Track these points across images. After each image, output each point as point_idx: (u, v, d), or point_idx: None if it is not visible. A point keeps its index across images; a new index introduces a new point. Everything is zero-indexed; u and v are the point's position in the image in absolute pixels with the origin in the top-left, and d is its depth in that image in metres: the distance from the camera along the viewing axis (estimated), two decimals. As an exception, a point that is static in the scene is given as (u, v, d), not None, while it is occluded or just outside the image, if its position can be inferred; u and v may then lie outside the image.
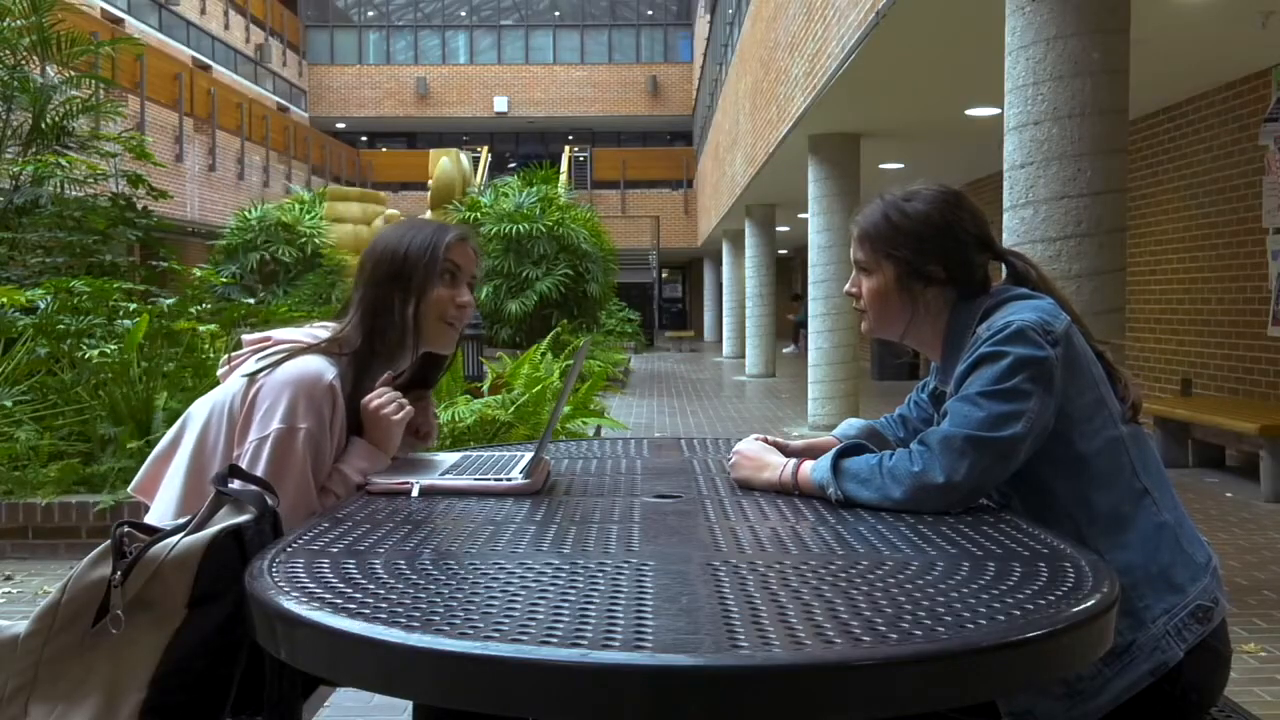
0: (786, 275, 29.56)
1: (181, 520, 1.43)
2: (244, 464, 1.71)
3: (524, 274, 14.14)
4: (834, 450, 1.70)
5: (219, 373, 1.91)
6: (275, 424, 1.73)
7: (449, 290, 1.92)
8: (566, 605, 1.13)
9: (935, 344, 1.82)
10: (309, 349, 1.83)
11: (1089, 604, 1.16)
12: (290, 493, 1.71)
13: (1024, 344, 1.60)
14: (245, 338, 1.91)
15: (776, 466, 1.77)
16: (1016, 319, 1.63)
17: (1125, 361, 1.82)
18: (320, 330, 1.91)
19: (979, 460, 1.57)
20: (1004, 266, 1.83)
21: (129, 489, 1.92)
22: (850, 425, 2.00)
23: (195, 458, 1.78)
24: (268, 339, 1.88)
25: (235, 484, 1.54)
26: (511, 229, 14.08)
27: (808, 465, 1.73)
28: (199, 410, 1.82)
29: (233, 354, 1.90)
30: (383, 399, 1.88)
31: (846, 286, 1.88)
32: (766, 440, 1.89)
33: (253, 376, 1.78)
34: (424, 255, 1.89)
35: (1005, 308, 1.70)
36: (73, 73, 8.78)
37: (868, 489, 1.61)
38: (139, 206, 8.62)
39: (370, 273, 1.91)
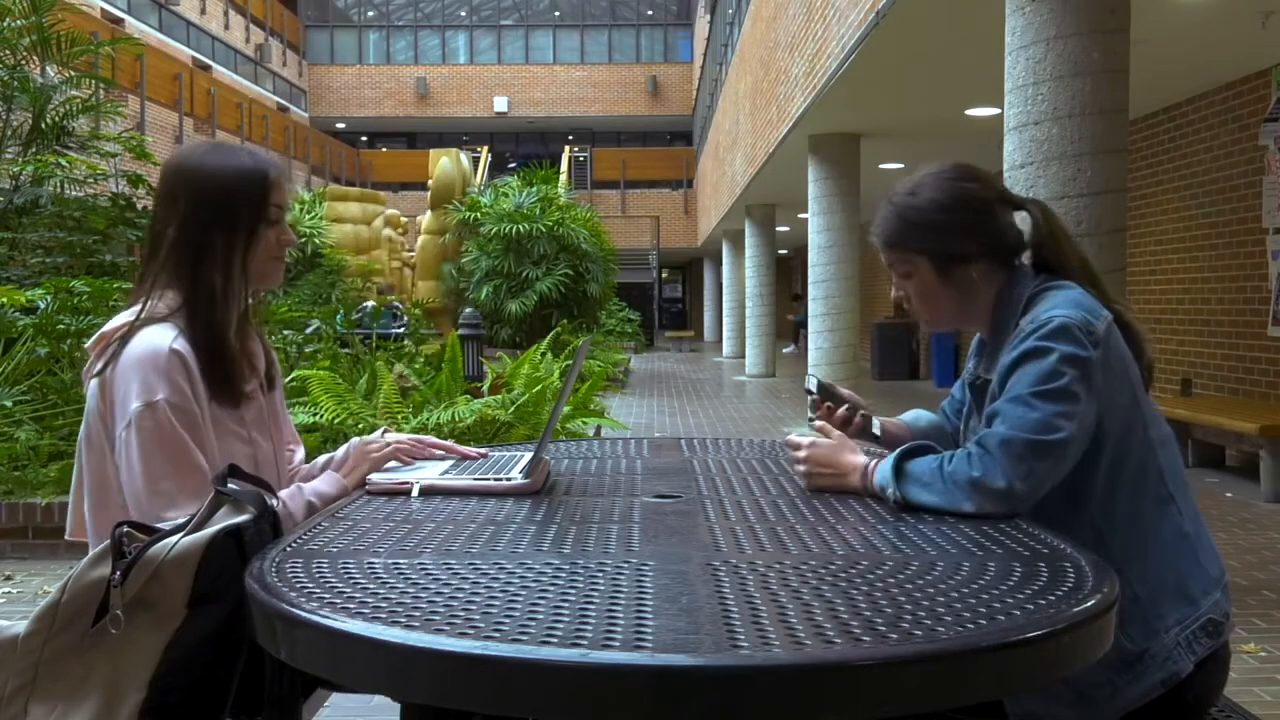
0: (786, 275, 29.57)
1: (181, 520, 1.43)
2: (120, 461, 1.64)
3: (524, 274, 14.14)
4: (898, 451, 1.65)
5: (85, 388, 1.79)
6: (133, 405, 1.63)
7: (274, 230, 1.80)
8: (566, 605, 1.13)
9: (986, 319, 1.78)
10: (136, 325, 1.70)
11: (1089, 604, 1.16)
12: (173, 468, 1.62)
13: (1068, 341, 1.59)
14: (87, 345, 1.80)
15: (857, 470, 1.70)
16: (1059, 314, 1.61)
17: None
18: (154, 303, 1.75)
19: (1039, 464, 1.55)
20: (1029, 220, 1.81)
21: (66, 535, 1.82)
22: (918, 415, 1.98)
23: (93, 476, 1.71)
24: (103, 336, 1.76)
25: (234, 484, 1.53)
26: (511, 229, 14.07)
27: (879, 466, 1.67)
28: (81, 434, 1.74)
29: (85, 368, 1.79)
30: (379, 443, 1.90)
31: (893, 294, 1.85)
32: (829, 392, 1.84)
33: (101, 375, 1.69)
34: (252, 198, 1.76)
35: (1048, 298, 1.67)
36: (73, 73, 8.78)
37: (930, 493, 1.58)
38: (139, 206, 8.61)
39: (186, 215, 1.73)
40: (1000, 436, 1.56)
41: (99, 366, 1.70)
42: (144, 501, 1.62)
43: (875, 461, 1.69)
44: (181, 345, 1.68)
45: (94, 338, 1.77)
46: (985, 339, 1.81)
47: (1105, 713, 1.56)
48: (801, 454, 1.76)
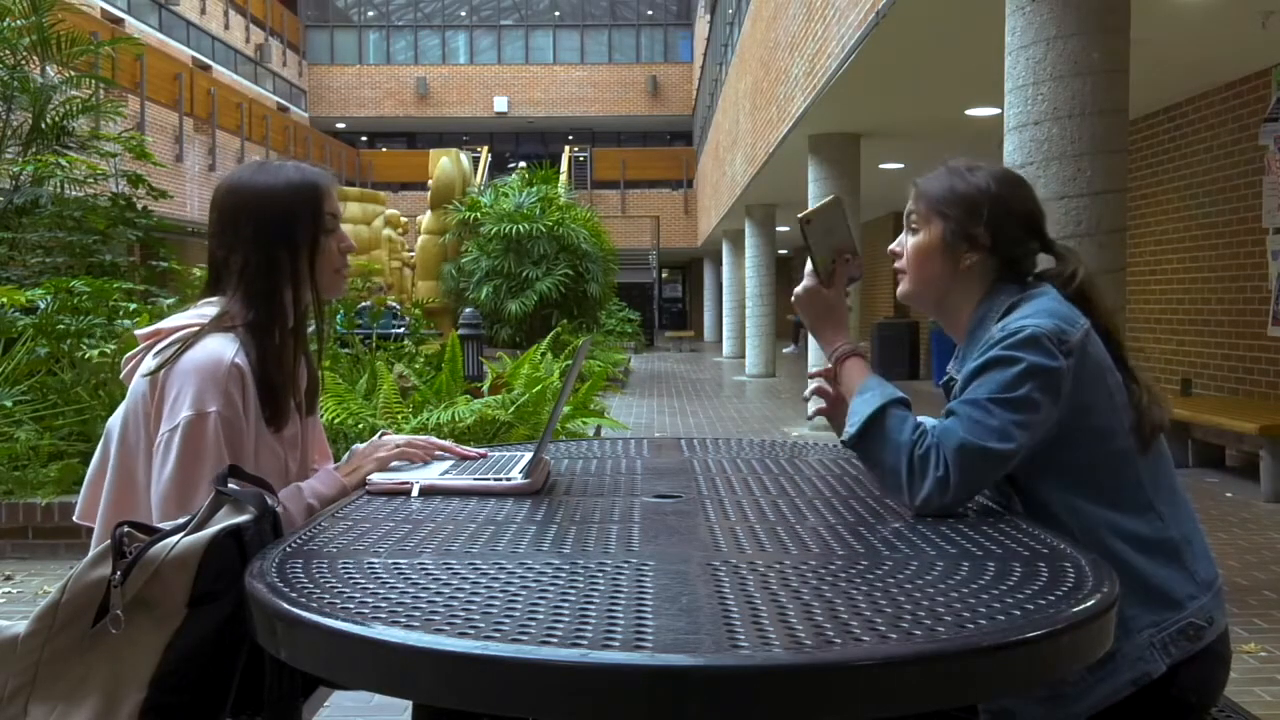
0: (786, 275, 29.57)
1: (181, 520, 1.43)
2: (156, 460, 1.66)
3: (524, 274, 14.13)
4: (890, 396, 1.64)
5: (121, 376, 1.82)
6: (184, 412, 1.65)
7: (333, 238, 1.84)
8: (566, 605, 1.13)
9: (964, 322, 1.79)
10: (203, 331, 1.73)
11: (1089, 604, 1.16)
12: (205, 481, 1.62)
13: (1037, 351, 1.59)
14: (138, 333, 1.82)
15: (838, 341, 1.75)
16: (1031, 323, 1.61)
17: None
18: (210, 309, 1.79)
19: (987, 472, 1.57)
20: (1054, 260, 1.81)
21: (74, 517, 1.83)
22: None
23: (119, 469, 1.72)
24: (158, 331, 1.77)
25: (234, 484, 1.53)
26: (511, 229, 14.07)
27: (859, 375, 1.69)
28: (114, 423, 1.75)
29: (129, 354, 1.81)
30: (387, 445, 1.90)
31: (891, 245, 1.87)
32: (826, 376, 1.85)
33: (154, 373, 1.69)
34: (307, 210, 1.79)
35: (1024, 307, 1.68)
36: (73, 73, 8.77)
37: (891, 454, 1.58)
38: (139, 206, 8.61)
39: (249, 238, 1.77)
40: (959, 442, 1.56)
41: (152, 365, 1.70)
42: (170, 508, 1.63)
43: (854, 350, 1.74)
44: (242, 359, 1.71)
45: (148, 330, 1.79)
46: (961, 345, 1.82)
47: (1075, 710, 1.56)
48: (799, 289, 1.82)
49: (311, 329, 1.90)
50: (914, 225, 1.82)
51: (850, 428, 1.64)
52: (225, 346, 1.71)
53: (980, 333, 1.72)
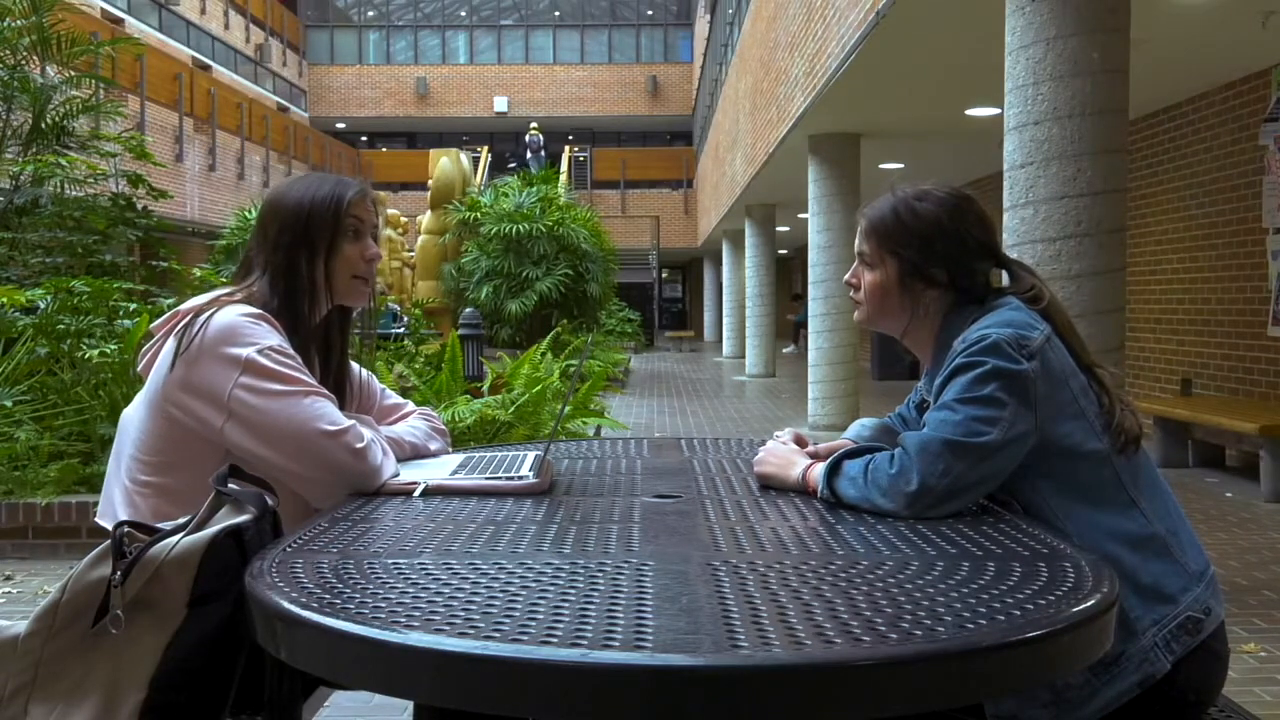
0: (786, 275, 29.55)
1: (181, 520, 1.43)
2: (240, 422, 1.67)
3: (524, 274, 14.13)
4: (841, 451, 1.71)
5: (139, 367, 1.83)
6: (244, 358, 1.68)
7: (355, 246, 1.89)
8: (566, 605, 1.13)
9: (929, 348, 1.82)
10: (218, 299, 1.77)
11: (1089, 604, 1.16)
12: (309, 385, 1.70)
13: (998, 356, 1.60)
14: (153, 325, 1.83)
15: (799, 466, 1.77)
16: (992, 332, 1.63)
17: (1123, 385, 1.79)
18: (238, 295, 1.85)
19: (954, 464, 1.57)
20: (1007, 276, 1.82)
21: (95, 519, 1.83)
22: (863, 425, 2.00)
23: (154, 441, 1.73)
24: (176, 314, 1.80)
25: (234, 485, 1.53)
26: (511, 229, 14.07)
27: (817, 465, 1.73)
28: (139, 406, 1.76)
29: (147, 346, 1.82)
30: None
31: (846, 276, 1.87)
32: (799, 438, 1.90)
33: (184, 354, 1.70)
34: (328, 215, 1.85)
35: (984, 319, 1.69)
36: (73, 73, 8.77)
37: (854, 488, 1.63)
38: (139, 206, 8.61)
39: (275, 236, 1.85)
40: (919, 438, 1.60)
41: (175, 342, 1.72)
42: (312, 428, 1.68)
43: (810, 463, 1.76)
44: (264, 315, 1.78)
45: (164, 318, 1.82)
46: (929, 366, 1.83)
47: (1082, 714, 1.56)
48: (766, 444, 1.88)
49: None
50: (867, 261, 1.82)
51: (821, 491, 1.68)
52: (242, 307, 1.77)
53: (946, 352, 1.73)
